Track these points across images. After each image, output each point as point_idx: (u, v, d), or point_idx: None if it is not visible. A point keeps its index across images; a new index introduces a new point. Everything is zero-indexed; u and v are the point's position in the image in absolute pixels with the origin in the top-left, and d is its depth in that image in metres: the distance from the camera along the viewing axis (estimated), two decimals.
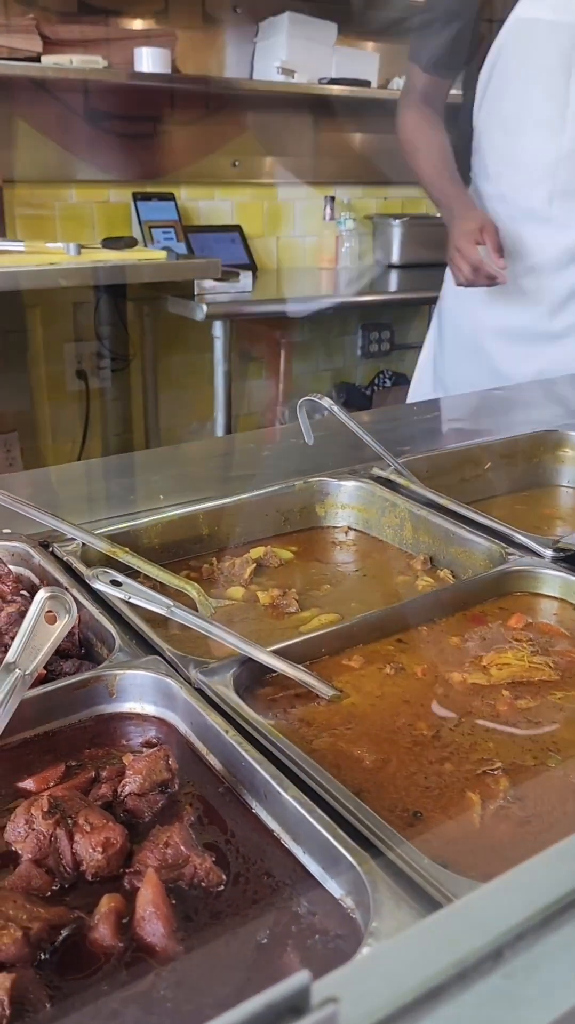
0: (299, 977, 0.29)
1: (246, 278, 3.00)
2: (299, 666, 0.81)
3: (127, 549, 1.01)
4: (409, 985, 0.32)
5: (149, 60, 3.02)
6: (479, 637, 0.91)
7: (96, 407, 3.31)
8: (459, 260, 1.85)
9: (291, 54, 3.28)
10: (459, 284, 1.89)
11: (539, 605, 0.99)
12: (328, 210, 3.76)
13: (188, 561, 1.11)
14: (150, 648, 0.84)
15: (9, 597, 0.93)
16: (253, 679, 0.82)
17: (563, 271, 1.95)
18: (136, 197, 3.27)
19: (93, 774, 0.68)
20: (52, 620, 0.73)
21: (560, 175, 1.86)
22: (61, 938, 0.55)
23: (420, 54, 2.02)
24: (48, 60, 2.85)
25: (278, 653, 0.83)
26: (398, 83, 3.63)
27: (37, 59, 2.84)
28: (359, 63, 3.50)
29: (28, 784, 0.68)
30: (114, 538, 1.03)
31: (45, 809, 0.61)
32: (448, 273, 2.12)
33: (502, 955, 0.35)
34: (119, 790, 0.66)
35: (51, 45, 2.87)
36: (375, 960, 0.34)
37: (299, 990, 0.29)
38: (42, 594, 0.72)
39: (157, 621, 0.96)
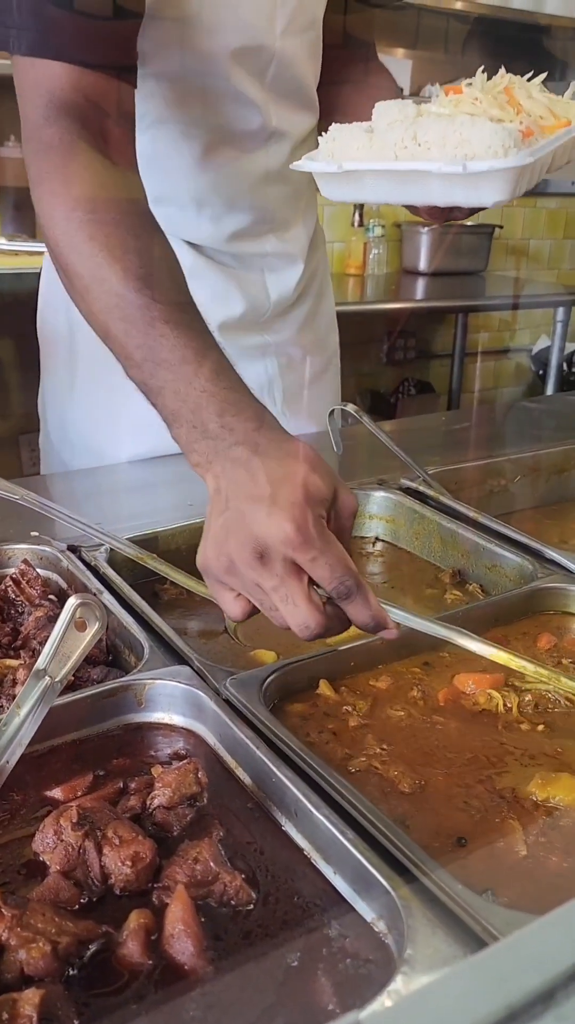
0: (348, 1018, 0.28)
1: None
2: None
3: (154, 555, 1.00)
4: None
5: None
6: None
7: None
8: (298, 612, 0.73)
9: None
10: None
11: (570, 624, 0.98)
12: (357, 216, 3.75)
13: None
14: (179, 657, 0.83)
15: (37, 601, 0.93)
16: (283, 692, 0.81)
17: None
18: None
19: (121, 785, 0.68)
20: (82, 627, 0.73)
21: None
22: (89, 953, 0.54)
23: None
24: None
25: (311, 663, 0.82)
26: (431, 90, 3.63)
27: None
28: (391, 70, 3.50)
29: (56, 793, 0.68)
30: (142, 543, 1.02)
31: (74, 820, 0.60)
32: None
33: (554, 996, 0.33)
34: (148, 803, 0.65)
35: None
36: (422, 998, 0.33)
37: None
38: (73, 600, 0.71)
39: (186, 630, 0.96)
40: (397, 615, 0.78)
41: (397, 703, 0.82)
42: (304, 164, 1.02)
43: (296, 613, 0.70)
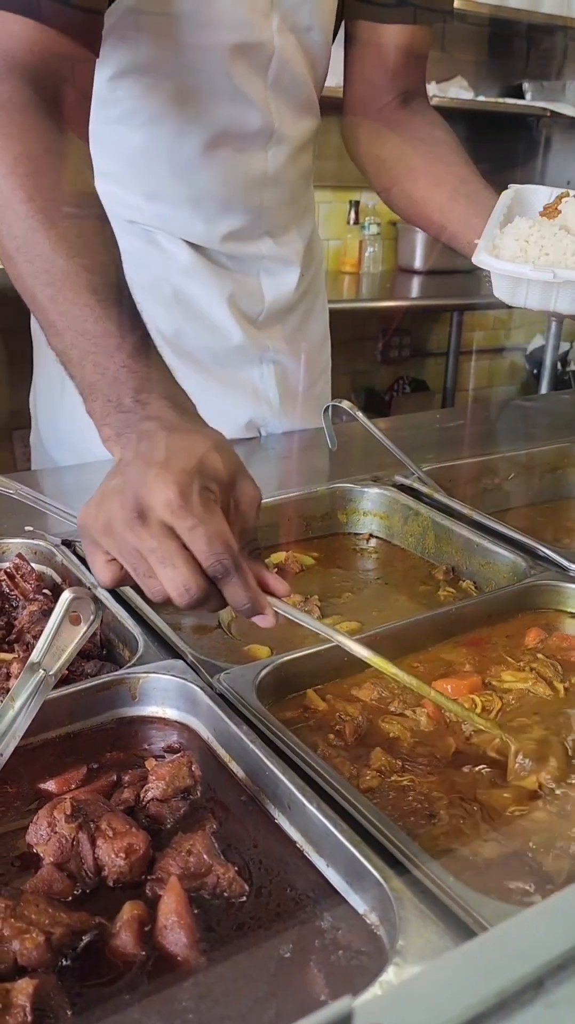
0: (342, 1003, 0.28)
1: None
2: None
3: None
4: (451, 1014, 0.31)
5: None
6: (496, 659, 0.90)
7: None
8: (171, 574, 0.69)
9: None
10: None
11: (562, 621, 0.98)
12: (352, 214, 3.75)
13: None
14: (172, 651, 0.83)
15: (31, 595, 0.93)
16: (276, 686, 0.81)
17: None
18: None
19: (115, 778, 0.68)
20: (76, 621, 0.73)
21: None
22: (82, 944, 0.55)
23: None
24: None
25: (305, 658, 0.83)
26: (427, 88, 3.62)
27: None
28: None
29: (50, 785, 0.68)
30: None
31: (68, 812, 0.61)
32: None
33: (543, 984, 0.34)
34: (142, 795, 0.65)
35: None
36: (416, 986, 0.33)
37: (342, 1015, 0.28)
38: (67, 595, 0.71)
39: (180, 625, 0.96)
40: (278, 606, 0.73)
41: (384, 710, 0.82)
42: (499, 264, 1.00)
43: (175, 576, 0.67)
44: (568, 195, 1.08)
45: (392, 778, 0.72)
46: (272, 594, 0.73)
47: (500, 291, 1.05)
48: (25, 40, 0.92)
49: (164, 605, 0.72)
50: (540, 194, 1.15)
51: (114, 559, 0.71)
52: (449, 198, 1.21)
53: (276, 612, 0.72)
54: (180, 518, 0.66)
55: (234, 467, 0.71)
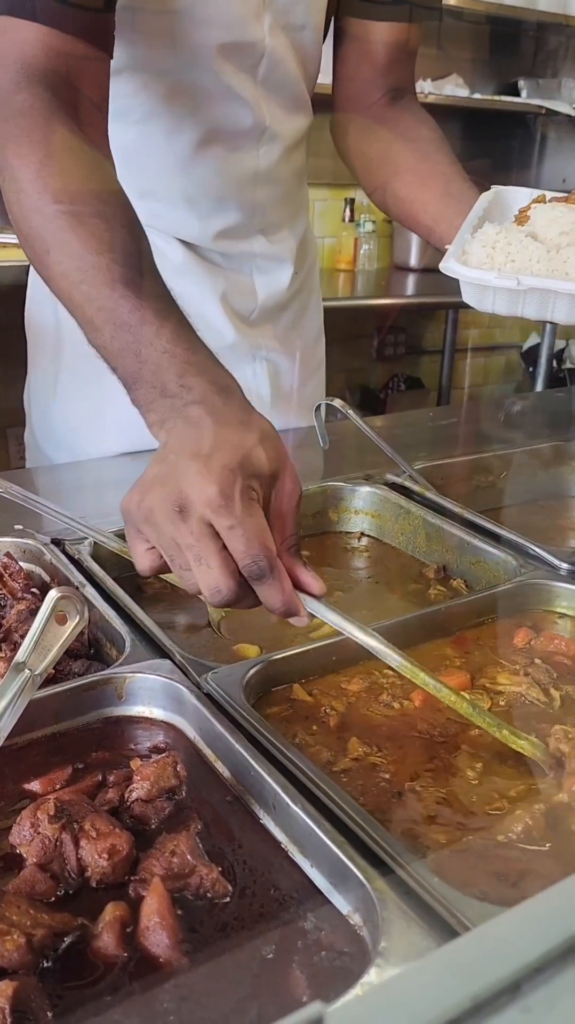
0: (312, 1008, 0.28)
1: None
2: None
3: None
4: (424, 1018, 0.31)
5: None
6: (486, 660, 0.90)
7: None
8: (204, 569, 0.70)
9: None
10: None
11: (552, 621, 0.98)
12: (347, 212, 3.75)
13: None
14: (160, 650, 0.83)
15: (19, 594, 0.93)
16: (264, 685, 0.81)
17: None
18: None
19: (100, 778, 0.68)
20: (63, 620, 0.73)
21: None
22: (64, 945, 0.54)
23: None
24: None
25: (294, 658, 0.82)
26: (423, 86, 3.62)
27: None
28: None
29: (34, 785, 0.68)
30: (125, 537, 1.02)
31: (51, 813, 0.60)
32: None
33: (520, 988, 0.34)
34: (126, 796, 0.65)
35: None
36: (389, 990, 0.33)
37: (312, 1022, 0.28)
38: (53, 594, 0.71)
39: (169, 624, 0.96)
40: (313, 607, 0.73)
41: (372, 702, 0.81)
42: (463, 271, 1.01)
43: (208, 575, 0.68)
44: (544, 199, 1.08)
45: (367, 761, 0.72)
46: (308, 593, 0.73)
47: (468, 297, 1.05)
48: (40, 46, 0.93)
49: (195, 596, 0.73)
50: (520, 196, 1.15)
51: (154, 547, 0.72)
52: (436, 198, 1.22)
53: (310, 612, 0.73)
54: (220, 516, 0.67)
55: (278, 461, 0.71)
